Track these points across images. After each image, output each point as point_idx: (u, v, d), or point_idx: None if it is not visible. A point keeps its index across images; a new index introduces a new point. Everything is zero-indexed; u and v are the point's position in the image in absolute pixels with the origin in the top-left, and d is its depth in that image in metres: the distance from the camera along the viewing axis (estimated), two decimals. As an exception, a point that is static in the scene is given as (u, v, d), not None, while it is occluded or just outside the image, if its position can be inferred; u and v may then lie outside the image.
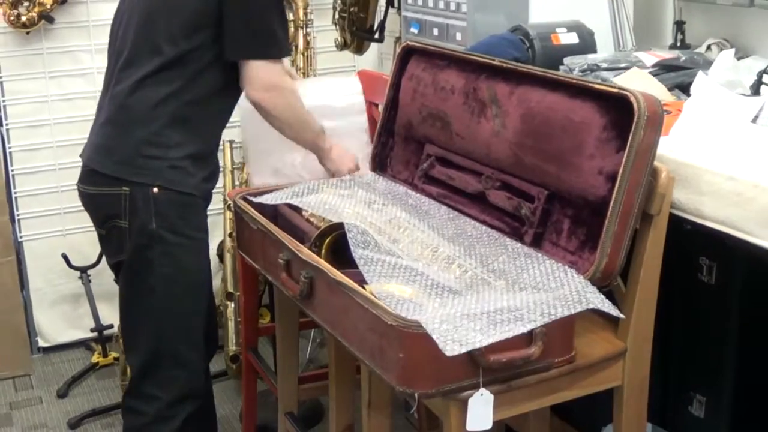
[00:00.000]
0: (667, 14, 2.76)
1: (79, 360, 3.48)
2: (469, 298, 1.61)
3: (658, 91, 2.09)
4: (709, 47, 2.52)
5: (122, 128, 2.07)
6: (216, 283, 2.80)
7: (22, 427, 3.07)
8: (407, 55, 2.23)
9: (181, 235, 2.09)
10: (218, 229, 3.16)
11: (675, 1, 2.68)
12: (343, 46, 3.23)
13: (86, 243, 3.34)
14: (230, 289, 3.11)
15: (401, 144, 2.24)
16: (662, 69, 2.25)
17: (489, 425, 1.55)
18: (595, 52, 2.45)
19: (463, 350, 1.45)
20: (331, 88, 2.57)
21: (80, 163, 2.19)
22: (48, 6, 3.18)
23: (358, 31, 3.17)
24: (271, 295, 2.91)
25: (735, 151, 1.71)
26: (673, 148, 1.76)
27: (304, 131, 2.20)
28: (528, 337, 1.53)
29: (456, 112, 2.02)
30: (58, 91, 3.33)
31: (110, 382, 3.29)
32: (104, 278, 3.27)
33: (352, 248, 1.75)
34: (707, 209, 1.68)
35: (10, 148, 3.33)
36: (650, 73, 2.22)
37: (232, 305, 3.10)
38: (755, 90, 2.05)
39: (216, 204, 2.42)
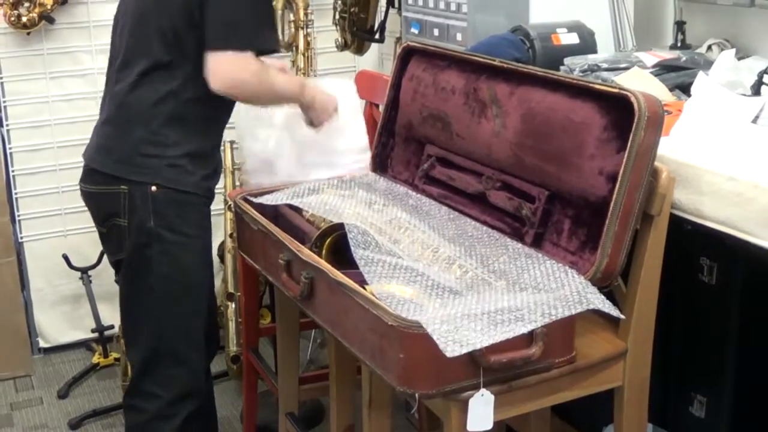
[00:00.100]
0: (668, 14, 2.76)
1: (79, 360, 3.48)
2: (470, 298, 1.61)
3: (659, 91, 2.09)
4: (709, 47, 2.52)
5: (121, 127, 2.08)
6: (216, 283, 2.80)
7: (22, 428, 3.07)
8: (408, 55, 2.23)
9: (179, 234, 2.09)
10: (219, 229, 3.16)
11: (675, 1, 2.68)
12: (343, 46, 3.23)
13: (87, 243, 3.34)
14: (231, 289, 3.11)
15: (402, 144, 2.24)
16: (663, 69, 2.25)
17: (489, 425, 1.55)
18: (595, 52, 2.45)
19: (464, 351, 1.45)
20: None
21: (81, 164, 2.20)
22: (48, 7, 3.18)
23: (358, 32, 3.17)
24: (271, 295, 2.91)
25: (735, 152, 1.71)
26: (673, 149, 1.76)
27: (279, 101, 2.21)
28: (528, 338, 1.53)
29: (456, 112, 2.02)
30: (58, 92, 3.33)
31: (111, 383, 3.29)
32: (105, 279, 3.27)
33: (352, 249, 1.75)
34: (708, 209, 1.68)
35: (10, 148, 3.33)
36: (651, 73, 2.21)
37: (233, 306, 3.10)
38: (756, 90, 2.04)
39: (217, 204, 2.41)
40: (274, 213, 2.13)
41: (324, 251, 1.86)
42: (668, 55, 2.34)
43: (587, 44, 2.48)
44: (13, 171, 3.35)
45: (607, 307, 1.60)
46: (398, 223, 1.96)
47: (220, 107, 2.13)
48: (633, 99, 1.60)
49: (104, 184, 2.09)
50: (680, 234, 1.75)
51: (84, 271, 3.37)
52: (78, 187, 2.20)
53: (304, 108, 2.22)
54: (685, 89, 2.17)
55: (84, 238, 3.35)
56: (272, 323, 2.93)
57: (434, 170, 2.10)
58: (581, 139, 1.70)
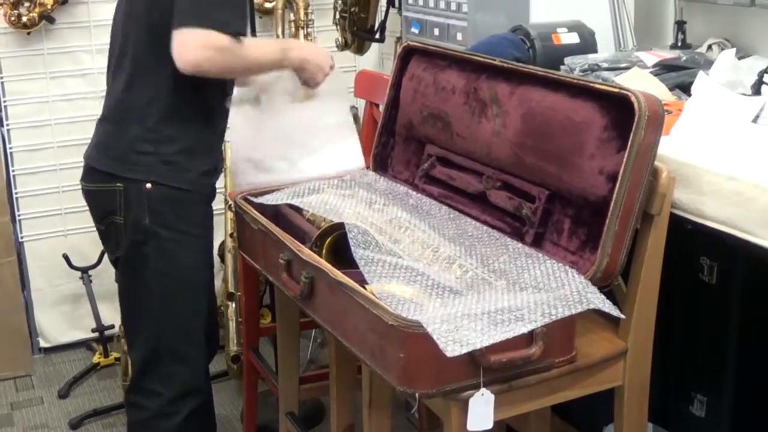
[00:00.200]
0: (668, 14, 2.76)
1: (80, 360, 3.48)
2: (470, 298, 1.61)
3: (659, 90, 2.09)
4: (709, 47, 2.52)
5: (117, 125, 2.08)
6: (217, 283, 2.81)
7: (23, 428, 3.07)
8: (408, 55, 2.23)
9: (175, 231, 2.08)
10: (219, 229, 3.16)
11: (676, 0, 2.68)
12: (344, 46, 3.23)
13: (87, 243, 3.35)
14: (231, 289, 3.11)
15: (402, 144, 2.24)
16: (663, 69, 2.25)
17: (490, 425, 1.55)
18: (595, 52, 2.45)
19: (464, 351, 1.46)
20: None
21: (82, 163, 2.20)
22: (49, 6, 3.19)
23: (358, 32, 3.17)
24: (272, 295, 2.91)
25: (736, 151, 1.71)
26: (673, 148, 1.76)
27: (261, 71, 2.18)
28: (529, 337, 1.53)
29: (457, 112, 2.02)
30: (58, 92, 3.34)
31: (111, 383, 3.29)
32: (105, 278, 3.28)
33: (352, 248, 1.75)
34: (708, 209, 1.68)
35: (10, 148, 3.34)
36: (651, 72, 2.21)
37: (233, 305, 3.10)
38: (756, 90, 2.04)
39: (217, 204, 2.41)
40: (274, 213, 2.13)
41: (324, 251, 1.86)
42: (668, 54, 2.34)
43: (587, 44, 2.48)
44: (13, 170, 3.35)
45: (608, 306, 1.60)
46: (398, 222, 1.96)
47: (212, 97, 2.10)
48: (633, 98, 1.60)
49: (101, 182, 2.09)
50: (680, 233, 1.75)
51: (84, 270, 3.37)
52: (79, 186, 2.20)
53: (297, 70, 2.19)
54: (685, 89, 2.17)
55: (84, 238, 3.36)
56: (272, 323, 2.93)
57: (434, 170, 2.10)
58: (581, 138, 1.70)
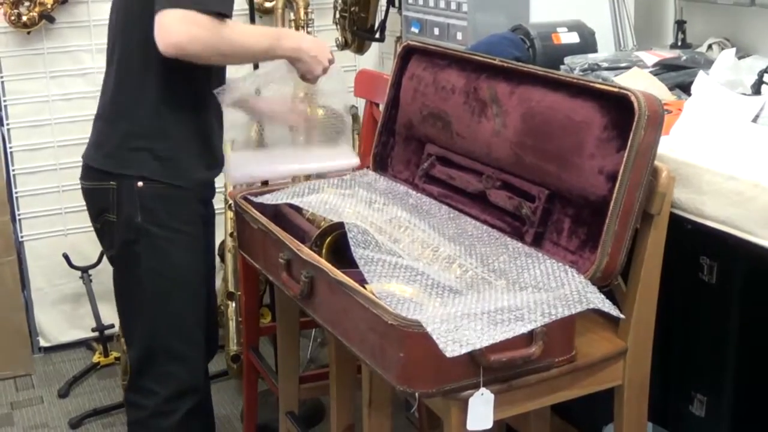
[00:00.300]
0: (668, 14, 2.76)
1: (80, 360, 3.48)
2: (470, 297, 1.61)
3: (659, 90, 2.09)
4: (710, 47, 2.52)
5: (110, 122, 2.08)
6: (217, 282, 2.81)
7: (23, 427, 3.08)
8: (408, 54, 2.23)
9: (168, 229, 2.07)
10: (219, 228, 3.16)
11: (676, 0, 2.68)
12: (344, 45, 3.23)
13: (87, 243, 3.34)
14: (231, 288, 3.11)
15: (402, 143, 2.24)
16: (663, 68, 2.25)
17: (489, 425, 1.55)
18: (595, 51, 2.45)
19: (464, 351, 1.45)
20: None
21: (81, 163, 2.20)
22: (49, 6, 3.19)
23: (358, 31, 3.17)
24: (272, 294, 2.91)
25: (736, 151, 1.71)
26: (673, 148, 1.76)
27: (251, 56, 2.12)
28: (528, 337, 1.53)
29: (457, 111, 2.02)
30: (58, 91, 3.34)
31: (111, 382, 3.29)
32: (105, 278, 3.26)
33: (352, 248, 1.75)
34: (708, 209, 1.68)
35: (10, 147, 3.34)
36: (651, 72, 2.22)
37: (233, 305, 3.11)
38: (756, 89, 2.04)
39: (217, 204, 2.41)
40: (274, 212, 2.13)
41: (324, 250, 1.86)
42: (668, 54, 2.34)
43: (587, 43, 2.48)
44: (13, 170, 3.35)
45: (607, 306, 1.60)
46: (398, 222, 1.96)
47: (203, 89, 2.08)
48: (633, 98, 1.60)
49: (96, 180, 2.09)
50: (680, 233, 1.75)
51: (84, 270, 3.37)
52: (79, 185, 2.20)
53: (293, 60, 2.13)
54: (685, 88, 2.17)
55: (84, 237, 3.36)
56: (272, 322, 2.93)
57: (434, 169, 2.10)
58: (581, 138, 1.70)
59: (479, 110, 1.96)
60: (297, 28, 3.19)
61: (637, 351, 1.75)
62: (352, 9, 3.14)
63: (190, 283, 2.14)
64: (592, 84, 1.73)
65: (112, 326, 3.31)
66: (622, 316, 1.66)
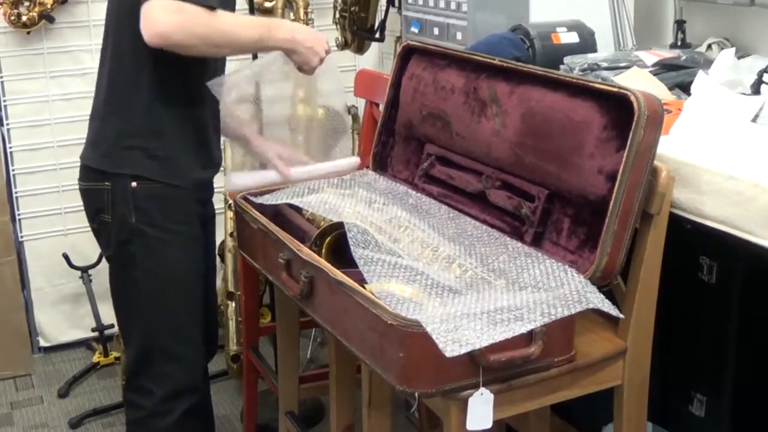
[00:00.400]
0: (668, 13, 2.76)
1: (80, 360, 3.48)
2: (469, 297, 1.61)
3: (659, 90, 2.09)
4: (709, 46, 2.52)
5: (104, 121, 2.08)
6: (217, 282, 2.81)
7: (23, 427, 3.08)
8: (408, 54, 2.23)
9: (162, 229, 2.07)
10: (219, 228, 3.16)
11: (675, 0, 2.68)
12: (343, 45, 3.24)
13: (87, 243, 3.34)
14: (231, 288, 3.11)
15: (401, 143, 2.24)
16: (663, 68, 2.25)
17: (489, 424, 1.55)
18: (595, 51, 2.45)
19: (463, 351, 1.45)
20: None
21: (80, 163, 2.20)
22: (48, 6, 3.19)
23: (358, 31, 3.17)
24: (271, 294, 2.91)
25: (735, 151, 1.71)
26: (673, 148, 1.76)
27: (241, 45, 2.03)
28: (528, 337, 1.53)
29: (456, 111, 2.02)
30: (58, 91, 3.34)
31: (111, 382, 3.29)
32: (105, 278, 3.22)
33: (352, 248, 1.75)
34: (707, 208, 1.68)
35: (10, 147, 3.34)
36: (651, 72, 2.21)
37: (233, 305, 3.11)
38: (755, 89, 2.04)
39: (217, 204, 2.41)
40: (274, 212, 2.13)
41: (324, 250, 1.86)
42: (668, 54, 2.34)
43: (587, 43, 2.48)
44: (13, 170, 3.35)
45: (607, 306, 1.60)
46: (398, 222, 1.96)
47: (197, 85, 2.07)
48: (632, 98, 1.60)
49: (92, 180, 2.09)
50: (680, 233, 1.75)
51: (84, 270, 3.37)
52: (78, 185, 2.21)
53: (288, 52, 2.07)
54: (684, 88, 2.17)
55: (84, 237, 3.35)
56: (272, 322, 2.93)
57: (434, 169, 2.10)
58: (581, 138, 1.70)
59: (479, 110, 1.96)
60: (297, 28, 3.19)
61: (636, 351, 1.75)
62: (352, 9, 3.14)
63: (185, 283, 2.13)
64: (591, 84, 1.73)
65: (111, 326, 3.30)
66: (621, 315, 1.66)
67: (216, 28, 1.92)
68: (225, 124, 2.20)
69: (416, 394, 1.50)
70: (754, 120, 1.89)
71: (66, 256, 3.35)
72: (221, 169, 2.27)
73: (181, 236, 2.10)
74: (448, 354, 1.45)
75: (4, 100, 3.29)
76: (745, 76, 2.08)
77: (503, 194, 1.89)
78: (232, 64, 2.26)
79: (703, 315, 1.92)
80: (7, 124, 3.32)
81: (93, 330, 3.35)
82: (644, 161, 1.62)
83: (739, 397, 1.88)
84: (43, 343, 3.52)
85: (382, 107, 2.30)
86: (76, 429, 3.04)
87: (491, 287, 1.66)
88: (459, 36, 2.67)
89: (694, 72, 2.16)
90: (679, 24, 2.62)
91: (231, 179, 2.29)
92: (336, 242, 1.86)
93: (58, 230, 3.44)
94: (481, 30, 2.58)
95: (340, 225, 1.84)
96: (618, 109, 1.64)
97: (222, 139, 2.35)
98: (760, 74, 2.05)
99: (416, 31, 2.88)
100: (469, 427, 1.54)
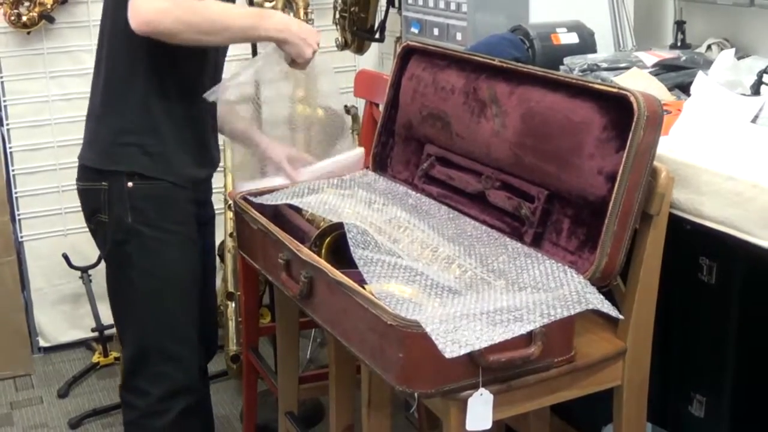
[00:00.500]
0: (668, 14, 2.76)
1: (79, 360, 3.48)
2: (469, 298, 1.61)
3: (658, 91, 2.09)
4: (709, 47, 2.52)
5: (101, 120, 2.07)
6: (216, 282, 2.81)
7: (22, 427, 3.08)
8: (407, 54, 2.23)
9: (158, 229, 2.07)
10: (219, 229, 3.16)
11: (675, 0, 2.68)
12: (343, 46, 3.24)
13: (87, 243, 3.31)
14: (231, 288, 3.11)
15: (401, 144, 2.24)
16: (662, 69, 2.25)
17: (488, 425, 1.55)
18: (595, 52, 2.45)
19: (463, 352, 1.46)
20: None
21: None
22: (48, 6, 3.19)
23: (358, 31, 3.17)
24: (271, 295, 2.91)
25: (735, 151, 1.71)
26: (672, 148, 1.76)
27: (230, 33, 1.99)
28: (527, 337, 1.53)
29: (456, 111, 2.02)
30: (58, 91, 3.34)
31: (111, 382, 3.29)
32: (104, 278, 3.27)
33: (351, 248, 1.75)
34: (707, 209, 1.68)
35: (10, 147, 3.34)
36: (650, 73, 2.22)
37: (233, 305, 3.11)
38: (755, 90, 2.04)
39: (217, 204, 2.41)
40: (273, 212, 2.13)
41: (323, 250, 1.86)
42: (668, 54, 2.34)
43: (587, 44, 2.48)
44: (13, 170, 3.35)
45: (606, 307, 1.60)
46: (398, 222, 1.96)
47: (192, 81, 2.07)
48: (632, 98, 1.60)
49: (89, 180, 2.09)
50: (679, 233, 1.75)
51: (84, 270, 3.37)
52: (77, 186, 2.21)
53: (280, 43, 2.04)
54: (684, 89, 2.17)
55: (84, 238, 3.32)
56: (272, 322, 2.93)
57: (434, 170, 2.10)
58: (580, 138, 1.70)
59: (479, 111, 1.96)
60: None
61: (636, 351, 1.75)
62: (352, 9, 3.14)
63: (181, 283, 2.13)
64: (591, 84, 1.73)
65: (111, 326, 3.28)
66: (621, 316, 1.66)
67: (204, 16, 1.91)
68: (228, 124, 2.20)
69: (416, 395, 1.50)
70: (753, 121, 1.89)
71: (66, 257, 3.35)
72: (221, 169, 2.27)
73: (177, 236, 2.10)
74: (448, 355, 1.45)
75: (4, 101, 3.29)
76: (744, 77, 2.08)
77: (503, 195, 1.89)
78: (231, 64, 2.26)
79: (703, 315, 1.92)
80: (7, 125, 3.32)
81: (93, 330, 3.35)
82: (644, 162, 1.62)
83: (738, 397, 1.88)
84: (42, 343, 3.52)
85: (381, 107, 2.30)
86: (76, 429, 3.04)
87: (491, 288, 1.66)
88: (459, 36, 2.67)
89: (694, 73, 2.16)
90: (679, 24, 2.62)
91: (238, 189, 2.29)
92: (336, 243, 1.86)
93: (58, 230, 3.44)
94: (480, 30, 2.58)
95: (339, 225, 1.85)
96: (618, 109, 1.64)
97: (222, 139, 2.35)
98: (760, 75, 2.05)
99: (416, 31, 2.88)
100: (468, 427, 1.54)
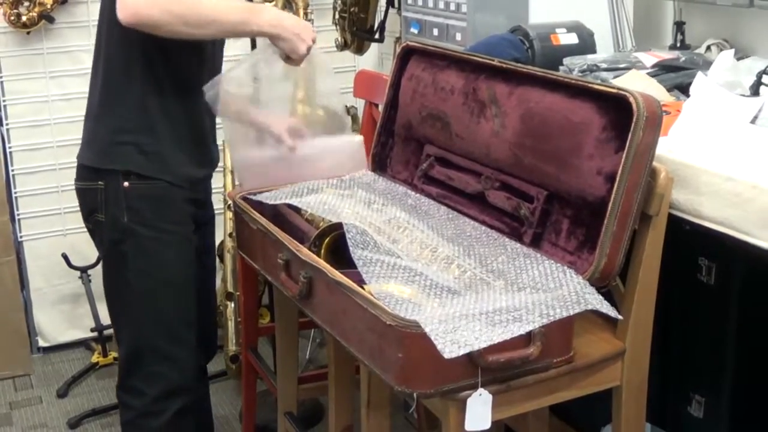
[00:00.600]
0: (667, 15, 2.76)
1: (79, 360, 3.48)
2: (468, 298, 1.61)
3: (657, 93, 2.09)
4: (708, 48, 2.52)
5: (99, 120, 2.08)
6: (216, 283, 2.81)
7: (22, 427, 3.08)
8: (407, 55, 2.23)
9: (154, 229, 2.07)
10: (218, 229, 3.16)
11: (675, 1, 2.68)
12: (343, 46, 3.24)
13: (86, 243, 3.29)
14: (230, 289, 3.11)
15: (401, 144, 2.24)
16: (662, 69, 2.25)
17: (487, 425, 1.55)
18: (594, 52, 2.45)
19: (462, 352, 1.46)
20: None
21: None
22: (48, 6, 3.19)
23: (358, 32, 3.17)
24: (270, 295, 2.91)
25: (734, 152, 1.71)
26: (672, 149, 1.76)
27: (221, 27, 1.97)
28: (527, 338, 1.53)
29: (455, 112, 2.02)
30: (58, 91, 3.34)
31: (110, 382, 3.29)
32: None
33: (351, 249, 1.75)
34: (706, 210, 1.68)
35: (10, 147, 3.34)
36: (650, 73, 2.22)
37: (232, 305, 3.11)
38: (754, 90, 2.04)
39: (216, 204, 2.41)
40: (273, 212, 2.13)
41: (323, 251, 1.86)
42: (667, 55, 2.34)
43: (586, 44, 2.48)
44: (12, 170, 3.35)
45: (605, 307, 1.60)
46: (397, 222, 1.96)
47: (189, 79, 2.06)
48: (632, 99, 1.60)
49: (87, 180, 2.10)
50: (679, 234, 1.75)
51: (83, 270, 3.37)
52: (76, 186, 2.21)
53: (273, 38, 2.01)
54: (684, 89, 2.17)
55: (83, 238, 3.31)
56: (271, 323, 2.93)
57: (433, 170, 2.10)
58: (580, 139, 1.70)
59: (478, 111, 1.96)
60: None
61: (635, 352, 1.75)
62: (352, 9, 3.14)
63: (177, 283, 2.12)
64: (590, 85, 1.73)
65: (110, 326, 3.28)
66: (620, 317, 1.66)
67: (192, 8, 1.89)
68: (225, 105, 2.16)
69: (415, 395, 1.50)
70: (752, 121, 1.89)
71: (65, 256, 3.35)
72: (220, 169, 2.27)
73: (173, 236, 2.10)
74: (447, 355, 1.45)
75: (4, 100, 3.29)
76: (744, 78, 2.08)
77: (502, 195, 1.89)
78: (230, 64, 2.26)
79: (702, 316, 1.92)
80: (7, 124, 3.32)
81: (92, 330, 3.35)
82: (643, 162, 1.62)
83: (737, 398, 1.89)
84: (42, 343, 3.52)
85: (381, 108, 2.31)
86: (75, 429, 3.04)
87: (490, 288, 1.66)
88: (458, 37, 2.67)
89: (693, 73, 2.16)
90: (679, 25, 2.62)
91: (234, 157, 2.26)
92: (335, 243, 1.86)
93: (58, 230, 3.44)
94: (480, 31, 2.58)
95: (339, 225, 1.85)
96: (617, 110, 1.64)
97: (221, 139, 2.35)
98: (759, 76, 2.05)
99: (416, 31, 2.88)
100: (467, 427, 1.54)
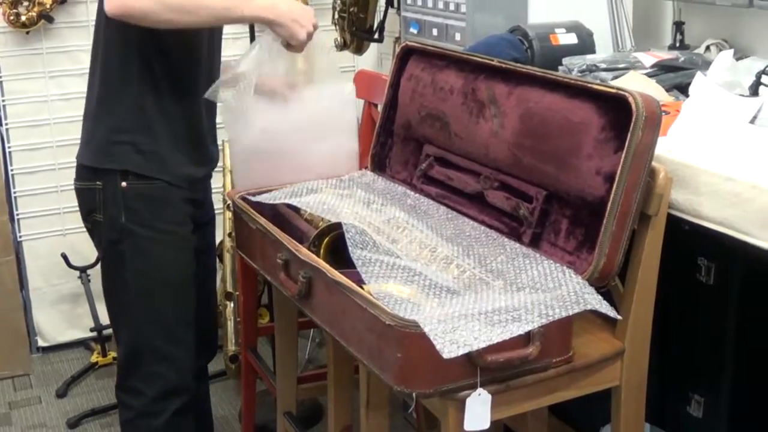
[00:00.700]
0: (667, 15, 2.76)
1: (78, 360, 3.48)
2: (467, 298, 1.61)
3: (656, 93, 2.09)
4: (708, 48, 2.52)
5: (97, 120, 2.08)
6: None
7: (21, 427, 3.07)
8: (406, 55, 2.23)
9: (152, 229, 2.07)
10: (218, 228, 3.16)
11: (674, 1, 2.68)
12: (342, 46, 3.24)
13: (85, 243, 3.30)
14: (229, 289, 3.11)
15: (400, 144, 2.24)
16: (661, 69, 2.25)
17: (487, 425, 1.55)
18: (593, 52, 2.46)
19: (461, 352, 1.46)
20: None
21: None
22: (48, 6, 3.19)
23: (357, 32, 3.17)
24: (270, 295, 2.91)
25: (733, 152, 1.71)
26: (671, 149, 1.76)
27: (215, 16, 1.93)
28: (526, 338, 1.53)
29: (455, 112, 2.02)
30: (57, 91, 3.34)
31: (109, 382, 3.29)
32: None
33: (350, 249, 1.75)
34: (705, 210, 1.68)
35: (9, 147, 3.34)
36: (649, 73, 2.22)
37: (232, 305, 3.11)
38: (754, 91, 2.04)
39: (216, 204, 2.41)
40: (272, 212, 2.13)
41: (322, 251, 1.86)
42: (666, 55, 2.34)
43: (586, 44, 2.48)
44: (12, 170, 3.35)
45: (605, 307, 1.60)
46: (396, 222, 1.96)
47: (190, 83, 2.06)
48: (631, 99, 1.60)
49: (85, 180, 2.10)
50: (678, 234, 1.75)
51: (83, 270, 3.37)
52: (76, 185, 2.21)
53: (270, 24, 1.96)
54: (683, 89, 2.17)
55: (83, 237, 3.31)
56: (271, 323, 2.93)
57: (432, 170, 2.10)
58: (579, 139, 1.70)
59: (477, 111, 1.96)
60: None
61: (634, 352, 1.75)
62: (351, 9, 3.14)
63: (175, 283, 2.12)
64: (590, 85, 1.73)
65: (110, 326, 3.30)
66: (619, 317, 1.66)
67: (182, 3, 1.86)
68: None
69: (414, 395, 1.50)
70: (752, 121, 1.89)
71: (64, 256, 3.35)
72: (219, 169, 2.27)
73: (171, 236, 2.10)
74: (446, 355, 1.45)
75: (3, 100, 3.29)
76: (743, 78, 2.08)
77: (501, 195, 1.89)
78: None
79: (701, 316, 1.92)
80: (6, 124, 3.32)
81: (91, 330, 3.35)
82: (642, 162, 1.62)
83: (736, 398, 1.89)
84: (41, 343, 3.52)
85: (380, 108, 2.31)
86: (75, 429, 3.04)
87: (489, 288, 1.66)
88: (458, 37, 2.67)
89: (693, 73, 2.16)
90: (678, 25, 2.62)
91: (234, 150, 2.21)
92: (334, 243, 1.86)
93: (57, 230, 3.44)
94: (479, 31, 2.58)
95: (338, 225, 1.85)
96: (616, 110, 1.64)
97: (221, 139, 2.35)
98: (759, 76, 2.05)
99: (415, 31, 2.88)
100: (466, 427, 1.54)
